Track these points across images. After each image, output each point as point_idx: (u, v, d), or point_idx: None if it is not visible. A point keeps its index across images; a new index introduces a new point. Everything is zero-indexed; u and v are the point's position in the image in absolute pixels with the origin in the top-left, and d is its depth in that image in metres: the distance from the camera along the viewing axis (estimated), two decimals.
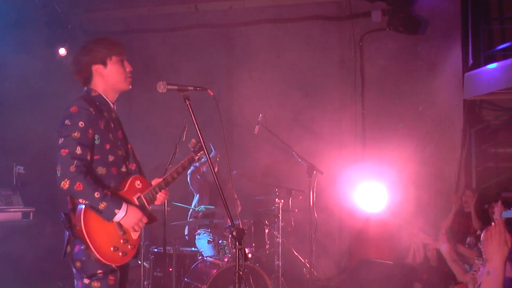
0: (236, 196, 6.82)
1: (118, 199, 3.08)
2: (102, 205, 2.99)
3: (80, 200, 3.00)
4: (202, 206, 6.54)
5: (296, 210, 6.61)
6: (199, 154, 3.71)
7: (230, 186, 6.27)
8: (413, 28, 7.62)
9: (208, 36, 8.67)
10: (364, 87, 8.17)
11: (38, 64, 7.42)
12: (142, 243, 3.89)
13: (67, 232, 3.10)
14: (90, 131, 3.09)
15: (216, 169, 6.58)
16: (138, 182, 3.30)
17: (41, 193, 7.12)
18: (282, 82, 8.12)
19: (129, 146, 3.41)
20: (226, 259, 5.72)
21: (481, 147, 7.79)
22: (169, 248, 5.73)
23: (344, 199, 7.56)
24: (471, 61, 7.52)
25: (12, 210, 6.60)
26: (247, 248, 5.87)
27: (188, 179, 6.77)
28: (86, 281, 3.07)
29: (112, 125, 3.26)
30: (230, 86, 8.58)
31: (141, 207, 3.24)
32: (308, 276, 6.31)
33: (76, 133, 3.03)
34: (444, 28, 7.82)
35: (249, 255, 5.79)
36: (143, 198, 3.28)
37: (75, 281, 3.16)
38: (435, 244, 5.81)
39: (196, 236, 6.52)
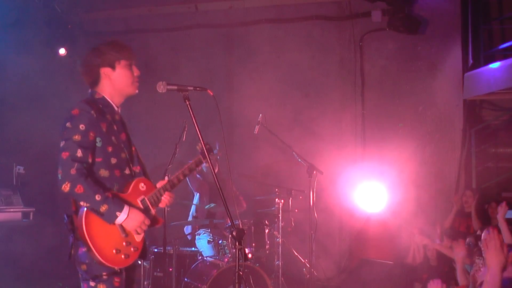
0: (239, 194, 6.82)
1: (119, 202, 3.08)
2: (103, 208, 2.99)
3: (81, 203, 3.00)
4: (212, 204, 6.52)
5: (296, 210, 6.61)
6: (208, 156, 3.71)
7: (230, 185, 6.27)
8: (413, 28, 7.62)
9: (208, 36, 8.67)
10: (364, 87, 8.17)
11: (38, 64, 7.43)
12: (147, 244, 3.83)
13: (70, 235, 3.12)
14: (91, 134, 3.09)
15: (216, 170, 6.57)
16: (142, 184, 3.29)
17: (41, 193, 7.12)
18: (282, 82, 8.12)
19: (133, 149, 3.40)
20: (226, 259, 5.72)
21: (481, 147, 7.79)
22: (169, 248, 5.73)
23: (344, 199, 7.55)
24: (471, 61, 7.52)
25: (12, 210, 6.61)
26: (247, 248, 5.87)
27: (187, 179, 6.77)
28: (92, 283, 3.08)
29: (115, 128, 3.26)
30: (230, 86, 8.58)
31: (145, 210, 3.24)
32: (308, 276, 6.31)
33: (77, 136, 3.04)
34: (444, 28, 7.82)
35: (249, 255, 5.79)
36: (147, 201, 3.27)
37: (81, 283, 3.16)
38: (433, 245, 5.82)
39: (196, 236, 6.52)
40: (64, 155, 3.01)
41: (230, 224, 3.20)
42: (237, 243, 3.02)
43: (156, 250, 6.00)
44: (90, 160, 3.08)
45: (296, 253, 6.71)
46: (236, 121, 8.12)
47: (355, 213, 7.56)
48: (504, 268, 3.03)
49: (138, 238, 3.18)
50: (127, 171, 3.27)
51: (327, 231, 7.46)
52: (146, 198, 3.28)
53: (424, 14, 7.83)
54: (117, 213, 3.03)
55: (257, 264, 5.86)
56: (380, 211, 7.31)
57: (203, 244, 6.35)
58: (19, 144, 7.39)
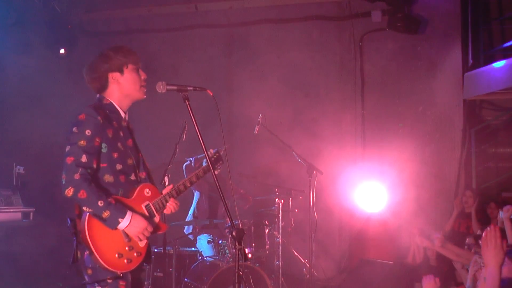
0: (243, 192, 6.81)
1: (122, 208, 3.08)
2: (105, 214, 3.00)
3: (84, 208, 3.02)
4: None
5: (296, 210, 6.61)
6: (216, 165, 3.73)
7: (230, 185, 6.27)
8: (413, 28, 7.62)
9: (208, 36, 8.67)
10: (364, 87, 8.17)
11: (38, 64, 7.43)
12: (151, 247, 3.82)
13: (74, 239, 3.13)
14: (97, 140, 3.10)
15: (217, 172, 6.55)
16: (147, 190, 3.30)
17: (41, 193, 7.12)
18: (282, 82, 8.11)
19: (140, 155, 3.41)
20: (226, 259, 5.72)
21: (481, 147, 7.79)
22: (169, 248, 5.73)
23: (344, 199, 7.55)
24: (471, 61, 7.52)
25: (12, 210, 6.60)
26: (247, 248, 5.87)
27: (185, 175, 6.73)
28: (98, 287, 3.08)
29: (122, 134, 3.27)
30: (229, 86, 8.58)
31: (149, 215, 3.24)
32: (308, 276, 6.31)
33: (82, 141, 3.05)
34: (444, 28, 7.82)
35: (249, 255, 5.79)
36: (152, 206, 3.28)
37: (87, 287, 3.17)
38: (433, 247, 5.81)
39: (197, 236, 6.52)
40: (69, 160, 3.02)
41: (230, 224, 3.20)
42: (237, 243, 3.02)
43: (156, 250, 6.00)
44: (94, 166, 3.09)
45: (296, 253, 6.72)
46: (236, 121, 8.12)
47: (355, 213, 7.56)
48: (502, 265, 3.02)
49: (142, 243, 3.19)
50: (132, 177, 3.27)
51: (327, 231, 7.46)
52: (151, 204, 3.28)
53: (424, 14, 7.83)
54: (119, 220, 3.04)
55: (257, 264, 5.86)
56: (380, 211, 7.31)
57: (203, 244, 6.35)
58: (19, 144, 7.39)
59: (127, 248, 3.10)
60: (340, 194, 7.56)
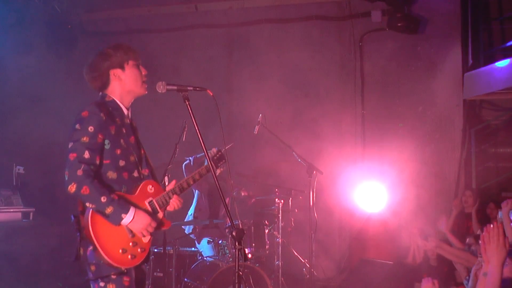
0: (246, 193, 6.81)
1: (125, 204, 3.08)
2: (108, 210, 3.00)
3: (87, 204, 3.02)
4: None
5: (296, 210, 6.61)
6: (220, 163, 3.73)
7: (230, 185, 6.28)
8: (413, 28, 7.62)
9: (208, 36, 8.67)
10: (364, 87, 8.17)
11: (38, 64, 7.43)
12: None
13: (77, 235, 3.11)
14: (100, 136, 3.11)
15: (219, 171, 6.54)
16: (151, 186, 3.30)
17: (41, 193, 7.12)
18: (282, 82, 8.11)
19: (142, 152, 3.41)
20: (226, 259, 5.72)
21: (481, 147, 7.79)
22: (169, 248, 5.73)
23: (344, 199, 7.55)
24: (471, 61, 7.52)
25: (12, 210, 6.60)
26: (247, 248, 5.87)
27: (184, 174, 6.72)
28: (101, 284, 3.08)
29: (124, 131, 3.27)
30: (229, 86, 8.58)
31: (152, 212, 3.24)
32: (308, 276, 6.31)
33: (85, 138, 3.06)
34: (444, 28, 7.82)
35: (249, 255, 5.79)
36: (155, 203, 3.28)
37: (90, 285, 3.16)
38: (433, 249, 5.81)
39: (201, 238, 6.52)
40: (72, 156, 3.03)
41: (230, 224, 3.20)
42: (237, 243, 3.03)
43: (156, 250, 6.00)
44: (97, 162, 3.09)
45: (296, 253, 6.72)
46: (236, 121, 8.12)
47: (355, 213, 7.56)
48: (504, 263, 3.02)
49: (145, 239, 3.18)
50: (135, 174, 3.27)
51: (327, 231, 7.46)
52: (154, 200, 3.28)
53: (424, 14, 7.83)
54: (123, 215, 3.04)
55: (257, 264, 5.86)
56: (380, 211, 7.31)
57: (203, 244, 6.35)
58: (19, 144, 7.40)
59: (131, 244, 3.10)
60: (340, 194, 7.56)
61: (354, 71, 8.20)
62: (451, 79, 7.74)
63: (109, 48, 3.33)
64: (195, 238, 6.54)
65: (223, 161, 3.78)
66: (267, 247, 6.10)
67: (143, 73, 3.38)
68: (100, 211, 3.00)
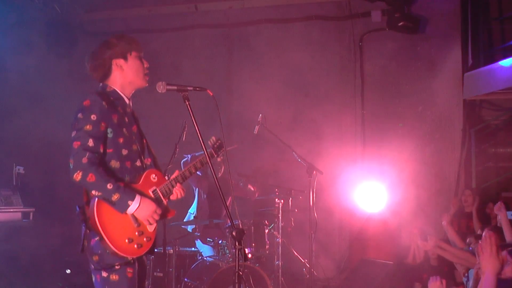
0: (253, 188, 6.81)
1: (131, 191, 3.08)
2: (115, 197, 2.98)
3: (93, 192, 2.99)
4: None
5: (296, 210, 6.61)
6: (219, 152, 3.73)
7: (230, 184, 6.28)
8: (413, 28, 7.62)
9: (208, 36, 8.67)
10: (364, 87, 8.17)
11: (38, 64, 7.43)
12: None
13: (83, 226, 3.10)
14: (103, 124, 3.09)
15: (222, 170, 6.56)
16: (154, 175, 3.29)
17: (41, 193, 7.12)
18: (282, 82, 8.12)
19: (145, 141, 3.40)
20: (226, 259, 5.72)
21: (481, 147, 7.79)
22: (169, 248, 5.73)
23: (344, 199, 7.55)
24: (470, 61, 7.52)
25: (12, 210, 6.60)
26: (247, 248, 5.87)
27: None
28: (104, 274, 3.06)
29: (127, 120, 3.26)
30: (229, 86, 8.58)
31: (156, 200, 3.23)
32: (308, 276, 6.31)
33: (88, 126, 3.04)
34: (443, 28, 7.82)
35: (249, 255, 5.79)
36: (159, 191, 3.27)
37: (92, 276, 3.14)
38: (431, 248, 5.81)
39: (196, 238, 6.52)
40: (76, 144, 3.00)
41: (230, 224, 3.20)
42: (237, 243, 3.02)
43: (156, 250, 5.98)
44: (101, 151, 3.07)
45: (296, 253, 6.72)
46: (236, 121, 8.12)
47: (355, 213, 7.55)
48: (498, 273, 3.02)
49: (151, 228, 3.17)
50: (138, 163, 3.26)
51: (327, 231, 7.45)
52: (158, 189, 3.27)
53: (424, 14, 7.83)
54: (129, 202, 3.02)
55: (257, 264, 5.86)
56: (380, 211, 7.31)
57: (203, 244, 6.35)
58: (19, 144, 7.39)
59: (136, 233, 3.09)
60: (340, 194, 7.56)
61: (354, 71, 8.20)
62: (451, 79, 7.74)
63: (113, 37, 3.34)
64: (199, 234, 6.51)
65: (223, 149, 3.78)
66: (267, 247, 6.10)
67: (145, 66, 3.38)
68: (106, 198, 2.98)
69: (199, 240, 6.45)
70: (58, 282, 6.74)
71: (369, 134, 8.08)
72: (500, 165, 7.87)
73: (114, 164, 3.14)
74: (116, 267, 3.04)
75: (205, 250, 6.22)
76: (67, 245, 6.70)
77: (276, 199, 6.11)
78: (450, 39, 7.76)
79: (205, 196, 6.69)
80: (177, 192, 3.40)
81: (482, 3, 7.77)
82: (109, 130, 3.13)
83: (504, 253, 3.67)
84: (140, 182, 3.21)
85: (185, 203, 6.69)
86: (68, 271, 6.70)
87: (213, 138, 3.77)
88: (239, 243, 3.02)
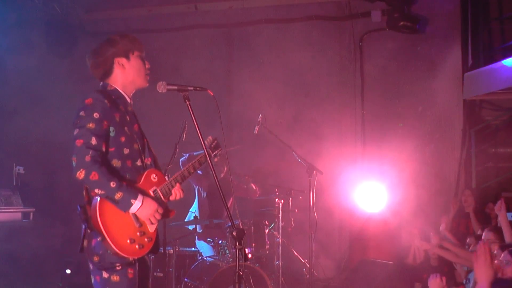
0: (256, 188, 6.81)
1: (134, 190, 3.06)
2: (118, 195, 2.96)
3: (96, 191, 2.97)
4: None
5: (296, 210, 6.61)
6: (216, 151, 3.74)
7: (230, 184, 6.28)
8: (413, 28, 7.62)
9: (208, 36, 8.67)
10: (364, 87, 8.17)
11: (38, 64, 7.43)
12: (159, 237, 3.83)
13: (83, 226, 3.09)
14: (105, 123, 3.08)
15: (225, 170, 6.56)
16: (154, 175, 3.28)
17: (41, 193, 7.13)
18: (282, 82, 8.12)
19: (145, 140, 3.38)
20: (226, 259, 5.72)
21: (481, 147, 7.79)
22: (169, 248, 5.73)
23: (344, 199, 7.55)
24: (470, 61, 7.52)
25: (12, 210, 6.60)
26: (247, 248, 5.87)
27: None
28: (105, 275, 3.04)
29: (128, 119, 3.25)
30: (230, 86, 8.58)
31: (157, 200, 3.22)
32: (308, 276, 6.31)
33: (91, 124, 3.02)
34: (443, 28, 7.82)
35: (249, 255, 5.79)
36: (159, 191, 3.26)
37: (92, 277, 3.12)
38: (432, 248, 5.81)
39: (196, 236, 6.51)
40: (79, 142, 2.98)
41: (230, 224, 3.20)
42: (237, 243, 3.02)
43: None
44: (103, 149, 3.06)
45: (296, 253, 6.72)
46: (236, 121, 8.13)
47: (355, 213, 7.55)
48: (492, 281, 3.03)
49: (152, 228, 3.16)
50: (138, 162, 3.25)
51: (327, 231, 7.45)
52: (158, 189, 3.26)
53: (424, 14, 7.83)
54: (132, 201, 3.00)
55: (257, 264, 5.86)
56: (380, 211, 7.31)
57: (203, 244, 6.35)
58: (19, 144, 7.40)
59: (138, 234, 3.07)
60: (340, 194, 7.56)
61: (354, 71, 8.20)
62: (451, 79, 7.74)
63: (116, 35, 3.34)
64: (201, 231, 6.50)
65: (219, 149, 3.78)
66: (267, 247, 6.10)
67: (146, 66, 3.38)
68: (109, 197, 2.96)
69: (199, 240, 6.44)
70: (58, 282, 6.74)
71: (369, 134, 8.08)
72: (500, 165, 7.87)
73: (116, 163, 3.13)
74: (117, 267, 3.03)
75: (205, 250, 6.22)
76: (67, 245, 6.71)
77: (276, 199, 6.11)
78: (450, 39, 7.76)
79: (205, 195, 6.70)
80: (176, 193, 3.39)
81: (482, 3, 7.77)
82: (111, 128, 3.11)
83: (504, 253, 3.67)
84: (141, 181, 3.20)
85: (185, 203, 6.69)
86: (68, 271, 6.69)
87: (210, 138, 3.77)
88: (239, 243, 3.02)
